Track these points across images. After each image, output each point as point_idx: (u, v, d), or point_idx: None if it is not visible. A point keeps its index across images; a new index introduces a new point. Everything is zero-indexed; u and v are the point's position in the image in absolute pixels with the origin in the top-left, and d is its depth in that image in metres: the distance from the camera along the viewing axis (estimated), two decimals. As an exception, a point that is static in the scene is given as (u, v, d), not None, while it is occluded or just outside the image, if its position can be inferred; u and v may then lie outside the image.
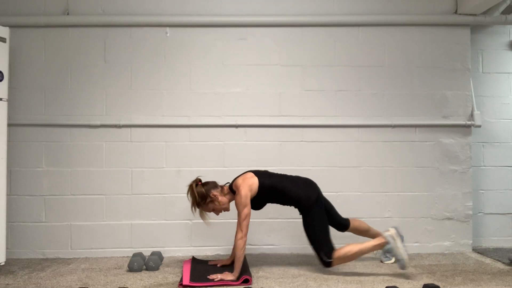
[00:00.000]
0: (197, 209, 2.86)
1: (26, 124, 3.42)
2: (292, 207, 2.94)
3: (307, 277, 2.79)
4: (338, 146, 3.53)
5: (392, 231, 2.76)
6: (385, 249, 2.79)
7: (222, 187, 2.91)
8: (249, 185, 2.79)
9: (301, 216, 2.90)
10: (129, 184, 3.45)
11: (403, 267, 2.74)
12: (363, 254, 2.83)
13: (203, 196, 2.81)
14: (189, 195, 2.84)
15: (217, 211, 2.89)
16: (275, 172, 3.02)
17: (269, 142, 3.51)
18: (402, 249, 2.72)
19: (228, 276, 2.66)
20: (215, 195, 2.83)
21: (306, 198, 2.85)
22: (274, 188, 2.85)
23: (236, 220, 2.99)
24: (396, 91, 3.57)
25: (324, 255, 2.79)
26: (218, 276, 2.66)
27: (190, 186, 2.84)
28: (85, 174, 3.44)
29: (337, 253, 2.78)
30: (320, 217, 2.86)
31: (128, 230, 3.44)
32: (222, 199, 2.85)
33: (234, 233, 2.95)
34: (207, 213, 2.90)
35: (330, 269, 2.90)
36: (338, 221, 3.04)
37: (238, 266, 2.68)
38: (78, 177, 3.43)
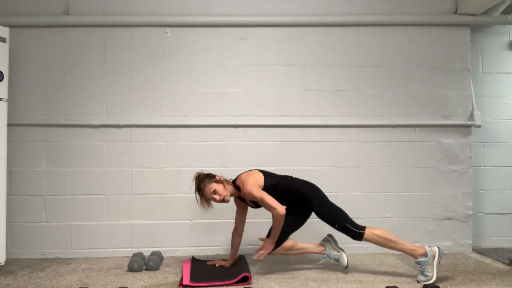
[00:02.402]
0: (198, 194, 2.81)
1: (26, 124, 3.42)
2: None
3: (307, 277, 2.79)
4: (338, 146, 3.53)
5: (435, 250, 2.69)
6: (418, 260, 2.68)
7: (226, 180, 2.90)
8: (255, 178, 2.79)
9: (310, 213, 2.90)
10: (129, 184, 3.45)
11: (425, 282, 2.64)
12: (395, 249, 2.76)
13: (209, 174, 2.84)
14: (194, 180, 2.84)
15: (218, 195, 2.77)
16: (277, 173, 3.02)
17: (269, 142, 3.51)
18: (435, 269, 2.66)
19: (268, 246, 2.73)
20: (220, 178, 2.84)
21: (308, 192, 2.84)
22: (279, 186, 2.84)
23: (234, 220, 3.00)
24: (396, 91, 3.57)
25: (352, 226, 2.75)
26: (261, 252, 2.73)
27: (197, 173, 2.88)
28: (85, 174, 3.44)
29: (370, 229, 2.75)
30: (327, 200, 2.86)
31: (128, 230, 3.44)
32: (227, 186, 2.83)
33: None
34: (207, 203, 2.84)
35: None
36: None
37: (276, 235, 2.73)
38: (78, 177, 3.43)
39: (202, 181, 2.81)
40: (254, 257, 2.72)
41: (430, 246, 2.71)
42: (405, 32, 3.58)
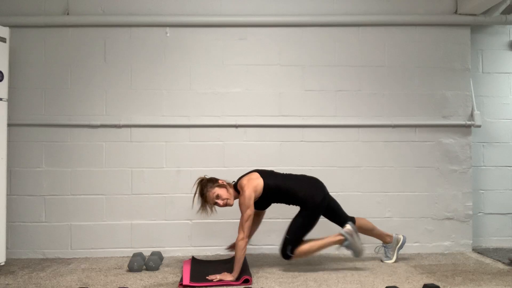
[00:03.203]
0: (201, 198, 2.82)
1: (26, 124, 3.42)
2: (294, 207, 2.95)
3: (307, 277, 2.79)
4: (338, 146, 3.53)
5: (348, 227, 2.86)
6: (344, 244, 2.88)
7: (228, 183, 2.91)
8: (254, 186, 2.78)
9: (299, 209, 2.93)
10: (129, 184, 3.45)
11: (357, 255, 2.91)
12: (323, 249, 2.93)
13: (212, 179, 2.83)
14: (195, 185, 2.84)
15: (221, 199, 2.80)
16: (280, 172, 3.03)
17: (269, 142, 3.51)
18: (358, 243, 2.88)
19: (227, 277, 2.66)
20: (223, 183, 2.84)
21: (311, 199, 2.86)
22: (279, 189, 2.86)
23: (237, 220, 3.00)
24: (396, 91, 3.57)
25: (289, 250, 2.85)
26: (217, 277, 2.66)
27: (200, 177, 2.87)
28: (85, 174, 3.44)
29: (298, 250, 2.85)
30: (313, 220, 2.91)
31: (128, 230, 3.44)
32: (230, 190, 2.85)
33: (235, 233, 2.95)
34: (208, 207, 2.84)
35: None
36: (343, 219, 3.04)
37: (237, 267, 2.67)
38: (78, 177, 3.43)
39: (205, 186, 2.82)
40: (208, 277, 2.69)
41: (343, 228, 2.89)
42: (405, 32, 3.58)
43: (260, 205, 2.91)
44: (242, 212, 2.73)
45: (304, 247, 2.86)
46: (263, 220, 3.38)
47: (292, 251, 2.85)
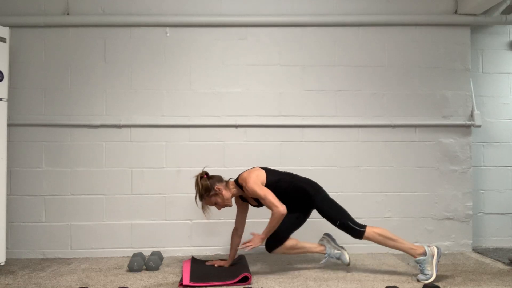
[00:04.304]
0: (200, 202, 2.86)
1: (26, 124, 3.43)
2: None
3: (307, 277, 2.79)
4: (338, 146, 3.53)
5: (434, 250, 2.70)
6: (417, 259, 2.70)
7: (227, 181, 2.91)
8: (256, 175, 2.80)
9: (311, 211, 2.92)
10: (129, 184, 3.45)
11: (424, 281, 2.65)
12: (395, 248, 2.78)
13: (207, 188, 2.80)
14: (195, 186, 2.85)
15: (219, 206, 2.87)
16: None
17: (269, 142, 3.51)
18: (434, 268, 2.67)
19: (256, 241, 2.68)
20: (219, 189, 2.82)
21: (310, 188, 2.86)
22: (281, 182, 2.85)
23: (235, 220, 3.01)
24: (396, 91, 3.57)
25: (353, 224, 2.76)
26: (248, 244, 2.68)
27: (196, 178, 2.85)
28: (85, 174, 3.44)
29: (370, 228, 2.77)
30: (329, 197, 2.88)
31: (128, 230, 3.44)
32: (226, 193, 2.84)
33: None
34: (209, 208, 2.88)
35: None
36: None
37: (267, 231, 2.70)
38: (78, 177, 3.43)
39: (202, 196, 2.83)
40: (240, 247, 2.72)
41: (429, 246, 2.73)
42: (405, 32, 3.58)
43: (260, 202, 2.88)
44: (260, 196, 2.71)
45: (376, 228, 2.78)
46: (264, 220, 3.37)
47: (360, 226, 2.75)
